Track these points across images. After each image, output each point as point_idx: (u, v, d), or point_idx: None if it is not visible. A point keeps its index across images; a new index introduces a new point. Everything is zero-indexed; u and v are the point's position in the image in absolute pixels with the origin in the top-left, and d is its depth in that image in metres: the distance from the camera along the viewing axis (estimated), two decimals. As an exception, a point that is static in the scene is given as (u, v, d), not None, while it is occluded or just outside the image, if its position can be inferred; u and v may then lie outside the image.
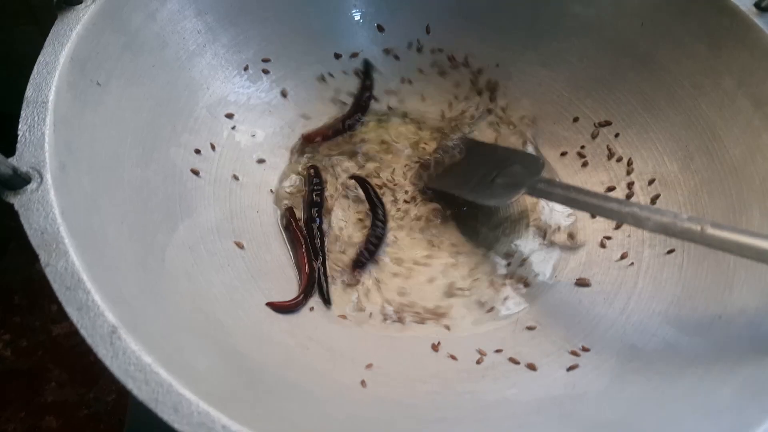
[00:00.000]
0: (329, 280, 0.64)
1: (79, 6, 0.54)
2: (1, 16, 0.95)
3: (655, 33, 0.68)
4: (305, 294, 0.61)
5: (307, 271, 0.62)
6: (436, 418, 0.51)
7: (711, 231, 0.50)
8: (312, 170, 0.71)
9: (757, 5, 0.61)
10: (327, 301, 0.62)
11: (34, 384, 0.75)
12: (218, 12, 0.67)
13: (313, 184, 0.70)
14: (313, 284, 0.62)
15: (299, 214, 0.68)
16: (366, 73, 0.78)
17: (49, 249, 0.41)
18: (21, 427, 0.73)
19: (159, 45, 0.61)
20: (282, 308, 0.59)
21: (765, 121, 0.60)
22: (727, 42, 0.63)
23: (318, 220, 0.67)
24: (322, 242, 0.66)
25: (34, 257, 0.41)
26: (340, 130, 0.76)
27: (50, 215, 0.42)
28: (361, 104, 0.78)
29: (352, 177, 0.72)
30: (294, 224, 0.66)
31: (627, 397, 0.51)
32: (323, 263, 0.64)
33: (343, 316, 0.62)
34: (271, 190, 0.69)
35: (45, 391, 0.78)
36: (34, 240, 0.41)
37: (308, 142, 0.74)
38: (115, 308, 0.40)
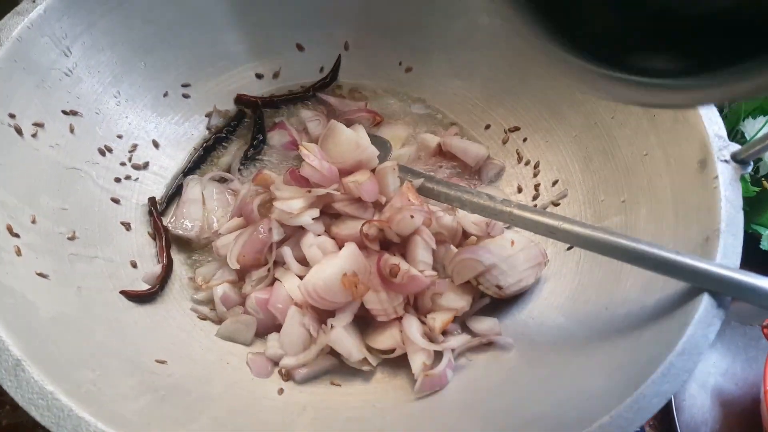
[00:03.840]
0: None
1: (-14, 50, 0.56)
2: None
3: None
4: (161, 284, 0.64)
5: (165, 262, 0.66)
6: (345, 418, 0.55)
7: (517, 212, 0.60)
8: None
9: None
10: None
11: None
12: (133, 42, 0.69)
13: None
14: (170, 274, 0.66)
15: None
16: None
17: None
18: (-23, 452, 0.75)
19: (73, 81, 0.64)
20: (136, 296, 0.61)
21: (652, 122, 0.64)
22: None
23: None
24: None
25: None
26: (273, 103, 0.81)
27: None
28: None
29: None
30: (155, 215, 0.69)
31: (519, 388, 0.55)
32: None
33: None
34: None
35: (0, 415, 0.79)
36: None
37: (240, 102, 0.79)
38: (20, 342, 0.43)
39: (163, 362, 0.54)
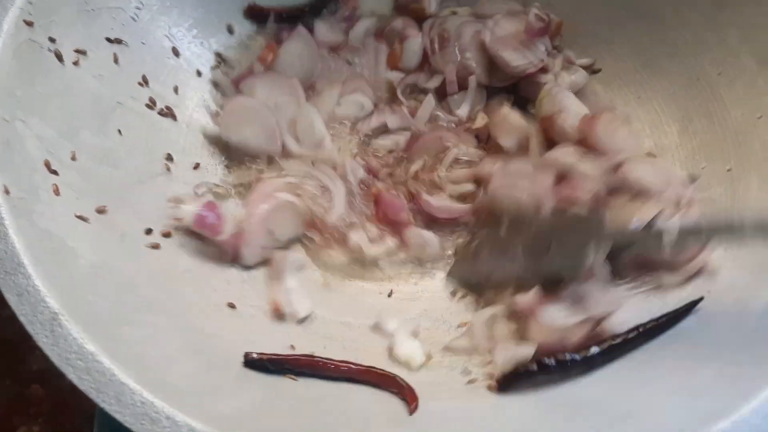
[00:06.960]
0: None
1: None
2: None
3: (656, -21, 0.63)
4: None
5: None
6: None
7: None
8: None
9: (766, -51, 0.56)
10: None
11: (19, 352, 0.75)
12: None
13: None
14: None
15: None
16: None
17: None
18: (7, 395, 0.74)
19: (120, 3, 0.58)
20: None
21: (770, 80, 0.55)
22: (733, -9, 0.58)
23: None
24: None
25: None
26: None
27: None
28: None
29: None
30: None
31: (609, 375, 0.49)
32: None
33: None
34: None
35: (30, 359, 0.77)
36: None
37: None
38: (58, 293, 0.38)
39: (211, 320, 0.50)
